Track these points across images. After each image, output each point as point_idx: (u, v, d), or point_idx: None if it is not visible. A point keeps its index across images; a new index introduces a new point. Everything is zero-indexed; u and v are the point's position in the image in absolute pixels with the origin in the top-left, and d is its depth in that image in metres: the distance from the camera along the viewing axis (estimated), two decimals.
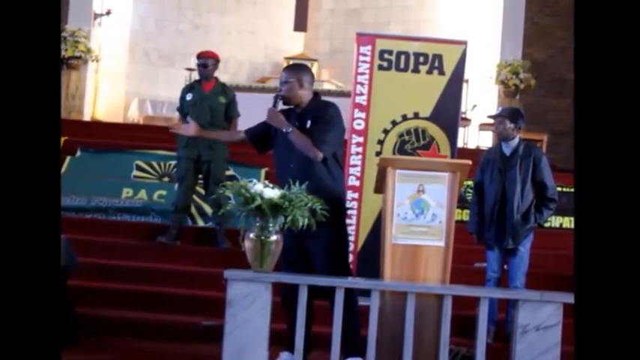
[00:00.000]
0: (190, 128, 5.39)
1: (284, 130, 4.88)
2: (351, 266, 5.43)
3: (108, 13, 13.25)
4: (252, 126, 5.29)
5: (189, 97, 7.49)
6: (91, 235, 7.32)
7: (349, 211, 5.90)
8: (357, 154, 6.44)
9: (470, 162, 4.76)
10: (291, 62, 14.45)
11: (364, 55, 6.51)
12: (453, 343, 4.96)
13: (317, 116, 4.95)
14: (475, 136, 12.67)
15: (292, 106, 5.08)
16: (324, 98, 5.22)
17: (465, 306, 5.41)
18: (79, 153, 9.18)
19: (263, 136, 5.17)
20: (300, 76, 5.03)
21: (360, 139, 6.44)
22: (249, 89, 12.17)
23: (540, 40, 12.66)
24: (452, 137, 6.46)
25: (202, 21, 15.01)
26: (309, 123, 4.94)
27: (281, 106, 5.05)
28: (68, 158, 8.90)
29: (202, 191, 7.80)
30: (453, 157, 6.35)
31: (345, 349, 4.80)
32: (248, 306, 4.36)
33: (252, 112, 8.48)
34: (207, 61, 7.49)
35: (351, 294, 4.77)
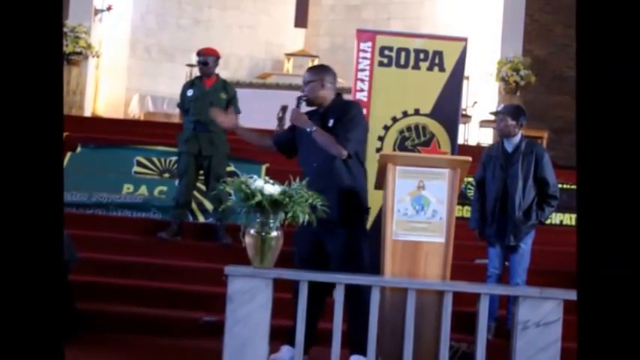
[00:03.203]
0: (233, 120, 5.37)
1: (308, 129, 4.92)
2: None
3: (108, 8, 13.25)
4: (278, 133, 5.35)
5: (190, 93, 7.50)
6: (91, 231, 7.33)
7: None
8: None
9: (470, 159, 4.76)
10: (287, 62, 14.50)
11: (364, 51, 6.51)
12: (454, 340, 4.96)
13: (340, 115, 4.99)
14: (476, 133, 12.67)
15: (315, 107, 5.11)
16: None
17: (466, 302, 5.42)
18: (79, 149, 9.18)
19: (289, 141, 5.24)
20: (322, 76, 5.10)
21: None
22: (249, 85, 12.18)
23: (540, 37, 12.66)
24: (452, 134, 6.46)
25: (203, 16, 15.00)
26: (331, 122, 4.98)
27: (304, 107, 5.09)
28: (69, 154, 8.90)
29: (203, 187, 7.81)
30: (453, 153, 6.35)
31: (351, 346, 4.83)
32: (248, 302, 4.36)
33: (253, 109, 8.53)
34: (208, 59, 7.51)
35: (363, 293, 4.77)
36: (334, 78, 5.17)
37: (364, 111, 6.43)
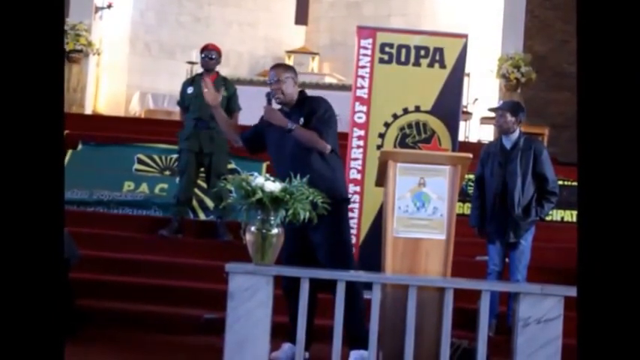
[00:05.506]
0: (216, 98, 5.28)
1: (288, 126, 4.89)
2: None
3: (109, 6, 13.23)
4: (247, 130, 5.35)
5: (190, 90, 7.50)
6: (92, 229, 7.34)
7: (351, 204, 5.91)
8: (359, 147, 6.45)
9: (471, 155, 4.76)
10: (287, 59, 14.49)
11: (365, 48, 6.51)
12: (455, 336, 4.96)
13: (310, 112, 4.97)
14: (476, 130, 12.66)
15: (280, 106, 5.09)
16: (322, 93, 5.27)
17: (467, 299, 5.42)
18: (80, 146, 9.19)
19: (256, 138, 5.24)
20: (292, 73, 5.10)
21: (361, 133, 6.45)
22: (249, 82, 12.17)
23: (541, 34, 12.63)
24: (453, 130, 6.46)
25: (203, 13, 14.99)
26: (301, 120, 4.96)
27: (274, 104, 5.07)
28: (70, 152, 8.91)
29: (204, 185, 7.82)
30: (454, 150, 6.36)
31: (350, 342, 4.83)
32: (249, 299, 4.36)
33: (253, 106, 8.53)
34: (212, 53, 7.52)
35: (354, 287, 4.78)
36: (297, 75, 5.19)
37: (365, 108, 6.46)
